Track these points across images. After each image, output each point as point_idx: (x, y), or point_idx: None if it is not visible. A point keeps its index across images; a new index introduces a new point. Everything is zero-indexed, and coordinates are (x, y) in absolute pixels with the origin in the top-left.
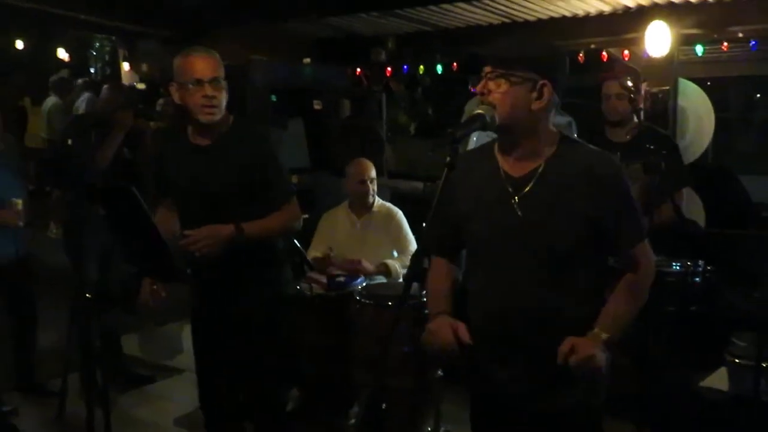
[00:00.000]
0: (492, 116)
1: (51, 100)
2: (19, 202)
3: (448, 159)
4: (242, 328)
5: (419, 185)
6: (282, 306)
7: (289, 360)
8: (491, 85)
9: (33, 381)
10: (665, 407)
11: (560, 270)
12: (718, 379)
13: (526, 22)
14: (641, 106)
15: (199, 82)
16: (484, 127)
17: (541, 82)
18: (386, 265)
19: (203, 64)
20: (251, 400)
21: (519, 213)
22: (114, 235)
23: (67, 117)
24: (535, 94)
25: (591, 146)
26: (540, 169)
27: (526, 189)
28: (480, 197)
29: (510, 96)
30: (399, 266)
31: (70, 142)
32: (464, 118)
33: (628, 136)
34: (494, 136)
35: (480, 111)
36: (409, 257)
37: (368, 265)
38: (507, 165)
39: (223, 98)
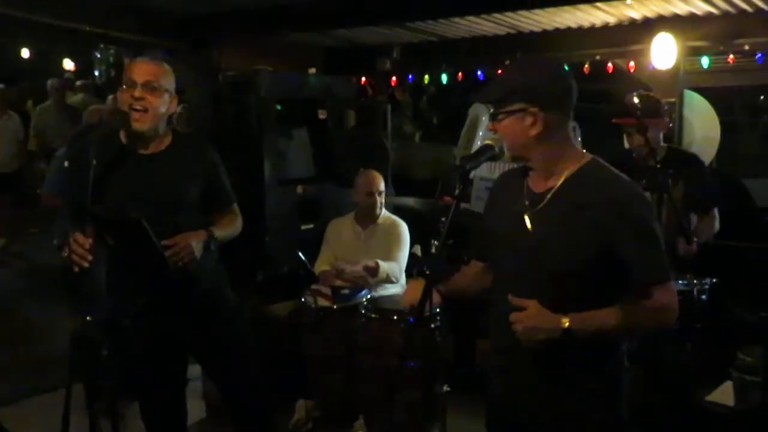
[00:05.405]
0: (500, 147)
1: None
2: None
3: (456, 191)
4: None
5: (411, 201)
6: (229, 299)
7: (261, 365)
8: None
9: None
10: (670, 421)
11: (563, 290)
12: (724, 394)
13: (532, 33)
14: (655, 135)
15: (132, 83)
16: (494, 158)
17: (530, 109)
18: (377, 263)
19: (141, 67)
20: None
21: (529, 228)
22: (122, 265)
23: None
24: (529, 121)
25: (618, 173)
26: (557, 187)
27: (541, 205)
28: (504, 210)
29: (508, 128)
30: (389, 269)
31: (66, 164)
32: (467, 123)
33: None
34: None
35: (489, 142)
36: (395, 268)
37: (354, 268)
38: (532, 181)
39: (159, 106)
